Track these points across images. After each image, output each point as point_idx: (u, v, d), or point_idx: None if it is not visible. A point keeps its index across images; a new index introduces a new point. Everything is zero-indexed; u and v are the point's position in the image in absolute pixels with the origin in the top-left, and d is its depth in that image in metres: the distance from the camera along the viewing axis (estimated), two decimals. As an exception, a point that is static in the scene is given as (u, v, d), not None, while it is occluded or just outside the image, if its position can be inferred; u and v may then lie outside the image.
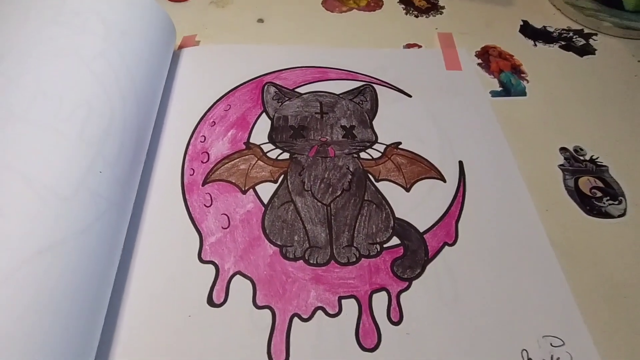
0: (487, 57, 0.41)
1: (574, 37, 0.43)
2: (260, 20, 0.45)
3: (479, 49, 0.41)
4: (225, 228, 0.28)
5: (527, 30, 0.44)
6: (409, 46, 0.42)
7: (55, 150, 0.23)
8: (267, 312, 0.24)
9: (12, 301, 0.18)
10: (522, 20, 0.45)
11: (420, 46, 0.42)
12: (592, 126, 0.35)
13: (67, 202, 0.22)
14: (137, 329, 0.23)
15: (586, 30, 0.44)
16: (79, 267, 0.21)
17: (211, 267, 0.26)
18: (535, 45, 0.42)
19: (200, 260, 0.26)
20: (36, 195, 0.21)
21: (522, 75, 0.39)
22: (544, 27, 0.44)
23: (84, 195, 0.23)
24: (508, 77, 0.39)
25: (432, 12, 0.46)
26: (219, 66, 0.38)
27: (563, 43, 0.42)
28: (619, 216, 0.29)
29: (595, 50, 0.42)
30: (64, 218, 0.21)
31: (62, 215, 0.21)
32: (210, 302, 0.24)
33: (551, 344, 0.23)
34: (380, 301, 0.25)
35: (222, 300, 0.25)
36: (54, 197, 0.21)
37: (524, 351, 0.23)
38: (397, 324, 0.24)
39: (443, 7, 0.47)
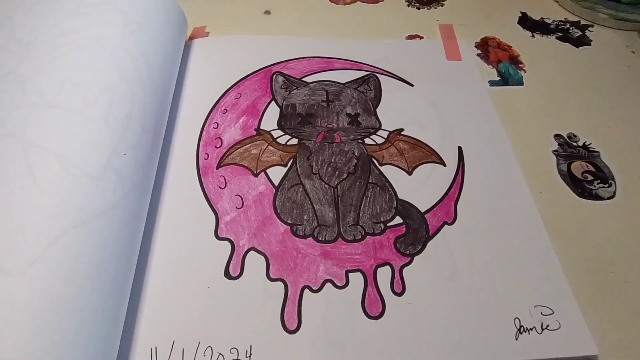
0: (487, 47, 0.42)
1: (571, 28, 0.45)
2: (267, 12, 0.46)
3: (478, 40, 0.43)
4: (239, 208, 0.29)
5: (526, 21, 0.45)
6: (410, 37, 0.43)
7: (84, 133, 0.25)
8: (280, 284, 0.26)
9: (52, 269, 0.20)
10: (521, 12, 0.46)
11: (421, 37, 0.43)
12: (585, 114, 0.37)
13: (96, 181, 0.24)
14: (161, 298, 0.25)
15: (582, 22, 0.45)
16: (109, 240, 0.23)
17: (227, 244, 0.28)
18: (533, 36, 0.44)
19: (217, 237, 0.28)
20: (69, 174, 0.23)
21: (520, 65, 0.41)
22: (542, 18, 0.46)
23: (111, 175, 0.25)
24: (506, 67, 0.40)
25: (433, 4, 0.47)
26: (228, 56, 0.40)
27: (560, 34, 0.44)
28: (609, 198, 0.31)
29: (591, 41, 0.43)
30: (94, 195, 0.23)
31: (93, 193, 0.23)
32: (227, 275, 0.26)
33: (542, 313, 0.25)
34: (384, 275, 0.27)
35: (238, 273, 0.27)
36: (85, 176, 0.23)
37: (517, 319, 0.25)
38: (400, 294, 0.26)
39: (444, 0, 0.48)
